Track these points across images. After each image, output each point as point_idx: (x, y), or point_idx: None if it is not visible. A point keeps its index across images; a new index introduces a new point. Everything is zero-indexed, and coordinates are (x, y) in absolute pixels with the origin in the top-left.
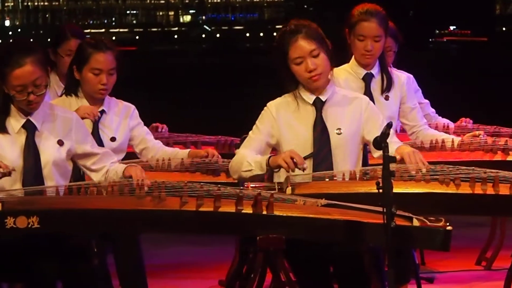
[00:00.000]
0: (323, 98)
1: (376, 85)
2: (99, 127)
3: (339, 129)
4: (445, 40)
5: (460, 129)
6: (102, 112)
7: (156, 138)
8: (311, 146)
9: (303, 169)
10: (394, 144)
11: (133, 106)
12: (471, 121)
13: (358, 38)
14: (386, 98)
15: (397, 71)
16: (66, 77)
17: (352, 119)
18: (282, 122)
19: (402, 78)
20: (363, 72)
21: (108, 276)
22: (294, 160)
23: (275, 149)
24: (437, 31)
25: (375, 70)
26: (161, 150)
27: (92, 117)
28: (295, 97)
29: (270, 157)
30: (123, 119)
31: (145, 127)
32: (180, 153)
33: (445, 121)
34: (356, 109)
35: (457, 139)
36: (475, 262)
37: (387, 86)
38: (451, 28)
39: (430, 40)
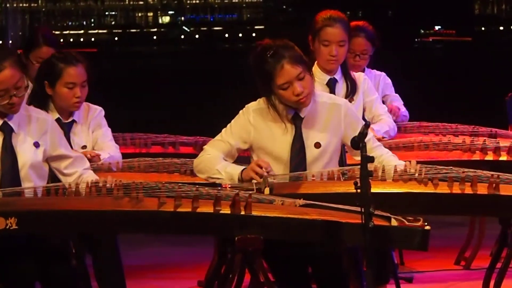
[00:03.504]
0: (302, 114)
1: (340, 90)
2: (70, 136)
3: (318, 143)
4: (430, 40)
5: (415, 128)
6: (73, 122)
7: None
8: (287, 162)
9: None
10: (377, 148)
11: (99, 109)
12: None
13: (323, 44)
14: (350, 101)
15: (370, 72)
16: (35, 93)
17: (331, 129)
18: (259, 130)
19: (361, 77)
20: (326, 77)
21: (87, 276)
22: (262, 166)
23: (246, 150)
24: (422, 31)
25: (338, 75)
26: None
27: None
28: (272, 106)
29: (242, 170)
30: (90, 125)
31: (104, 130)
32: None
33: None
34: (335, 117)
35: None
36: (454, 261)
37: (351, 90)
38: (436, 28)
39: (416, 40)
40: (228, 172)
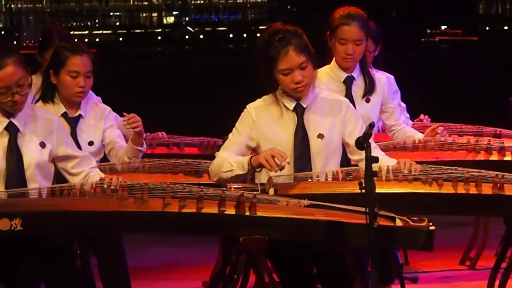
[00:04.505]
0: (304, 104)
1: (357, 88)
2: (76, 132)
3: (321, 134)
4: (437, 39)
5: (420, 128)
6: (79, 116)
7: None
8: (291, 151)
9: (287, 163)
10: (373, 150)
11: (108, 108)
12: (429, 118)
13: (339, 42)
14: (367, 101)
15: (377, 72)
16: (42, 83)
17: (333, 124)
18: (262, 126)
19: (383, 79)
20: (344, 75)
21: (91, 277)
22: (276, 158)
23: (255, 150)
24: (429, 31)
25: (356, 73)
26: (122, 149)
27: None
28: (275, 100)
29: (252, 156)
30: (98, 122)
31: (118, 130)
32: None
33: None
34: (337, 113)
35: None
36: (459, 261)
37: (370, 89)
38: (443, 27)
39: (423, 39)
40: (238, 161)
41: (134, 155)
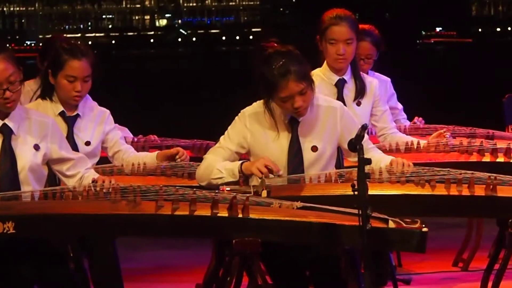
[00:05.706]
0: (298, 118)
1: (348, 91)
2: (74, 131)
3: (315, 147)
4: (432, 41)
5: (413, 130)
6: (77, 116)
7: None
8: (285, 164)
9: (279, 176)
10: (371, 150)
11: (107, 111)
12: (423, 120)
13: (329, 43)
14: (358, 104)
15: (374, 74)
16: (41, 80)
17: (327, 133)
18: (255, 137)
19: (374, 83)
20: (336, 77)
21: (86, 280)
22: (269, 167)
23: (246, 154)
24: (424, 33)
25: (347, 76)
26: (133, 154)
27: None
28: (269, 111)
29: (242, 163)
30: (98, 124)
31: (119, 132)
32: (149, 156)
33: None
34: (331, 120)
35: (423, 142)
36: (452, 263)
37: (360, 92)
38: (437, 29)
39: (418, 41)
40: (228, 168)
41: (151, 165)
